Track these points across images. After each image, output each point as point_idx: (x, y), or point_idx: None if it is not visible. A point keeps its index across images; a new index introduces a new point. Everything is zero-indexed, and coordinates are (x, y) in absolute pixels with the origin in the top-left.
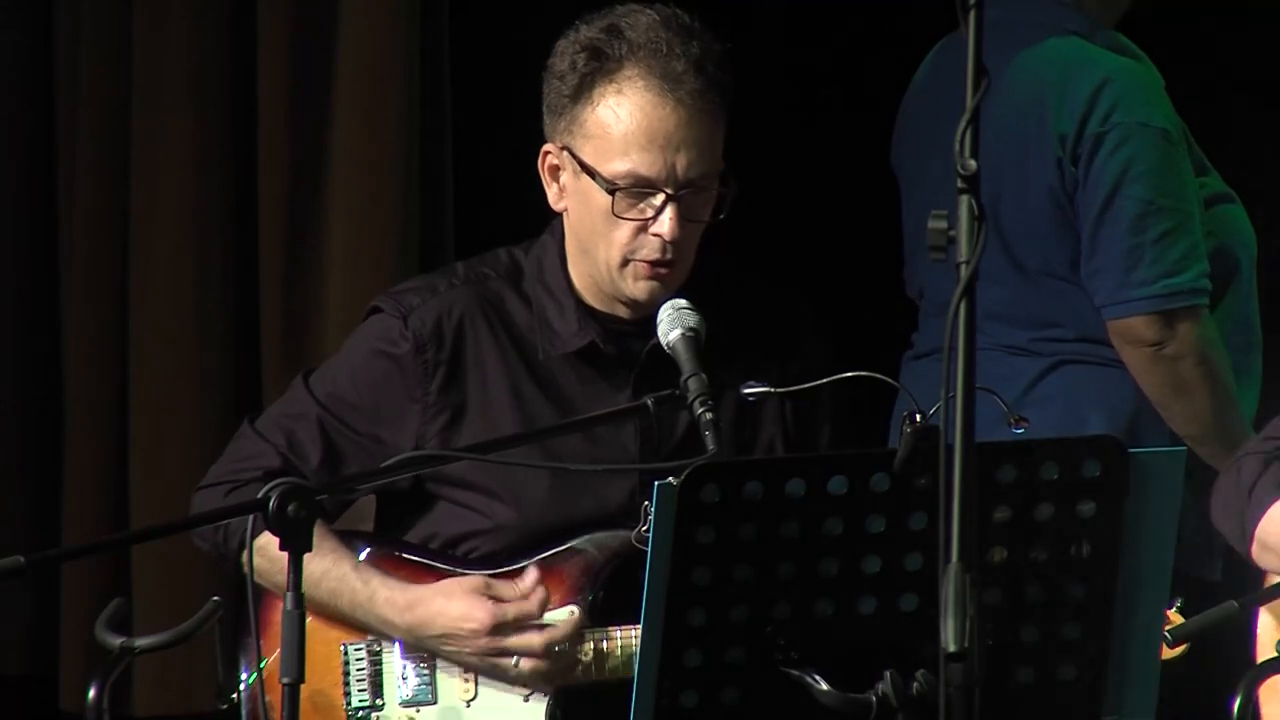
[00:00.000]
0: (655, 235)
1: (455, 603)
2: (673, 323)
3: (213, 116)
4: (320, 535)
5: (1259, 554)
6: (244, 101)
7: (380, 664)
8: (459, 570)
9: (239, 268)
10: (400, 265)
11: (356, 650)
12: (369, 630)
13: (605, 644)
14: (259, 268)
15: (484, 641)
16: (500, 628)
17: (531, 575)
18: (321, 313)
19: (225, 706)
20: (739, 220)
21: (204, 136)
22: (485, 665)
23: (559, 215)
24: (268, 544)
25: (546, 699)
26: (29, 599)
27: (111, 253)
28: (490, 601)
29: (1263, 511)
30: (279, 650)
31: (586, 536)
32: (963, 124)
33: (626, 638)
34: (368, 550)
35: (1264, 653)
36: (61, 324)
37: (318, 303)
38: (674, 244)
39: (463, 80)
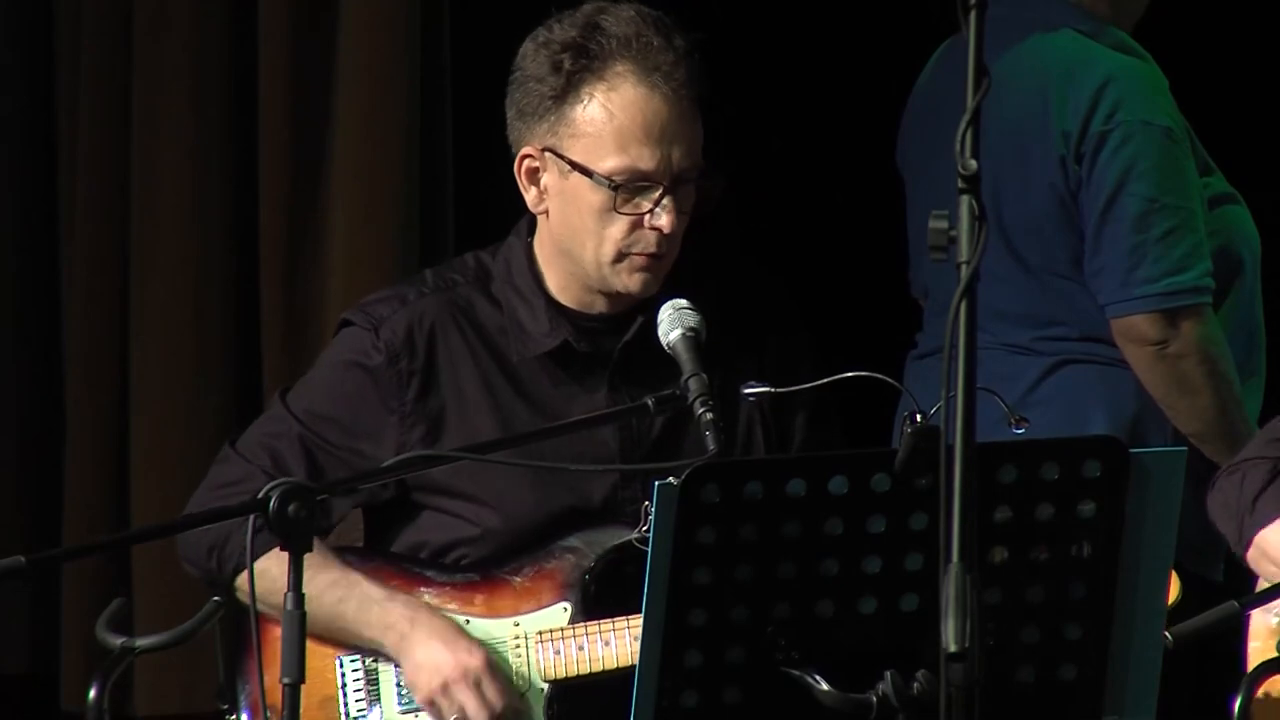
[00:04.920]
0: (653, 229)
1: (462, 640)
2: (673, 323)
3: (213, 116)
4: (323, 553)
5: (1256, 559)
6: (244, 101)
7: (376, 674)
8: (454, 578)
9: (239, 267)
10: (400, 265)
11: (353, 662)
12: (362, 638)
13: (599, 640)
14: (259, 268)
15: (452, 671)
16: (470, 675)
17: None
18: (321, 313)
19: (225, 707)
20: (743, 220)
21: (204, 137)
22: (431, 695)
23: (523, 216)
24: (265, 569)
25: (543, 696)
26: (29, 599)
27: (111, 253)
28: (484, 651)
29: (1266, 524)
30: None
31: (576, 535)
32: (963, 124)
33: (620, 631)
34: (355, 559)
35: (1255, 654)
36: (62, 324)
37: (318, 303)
38: (668, 236)
39: (463, 81)
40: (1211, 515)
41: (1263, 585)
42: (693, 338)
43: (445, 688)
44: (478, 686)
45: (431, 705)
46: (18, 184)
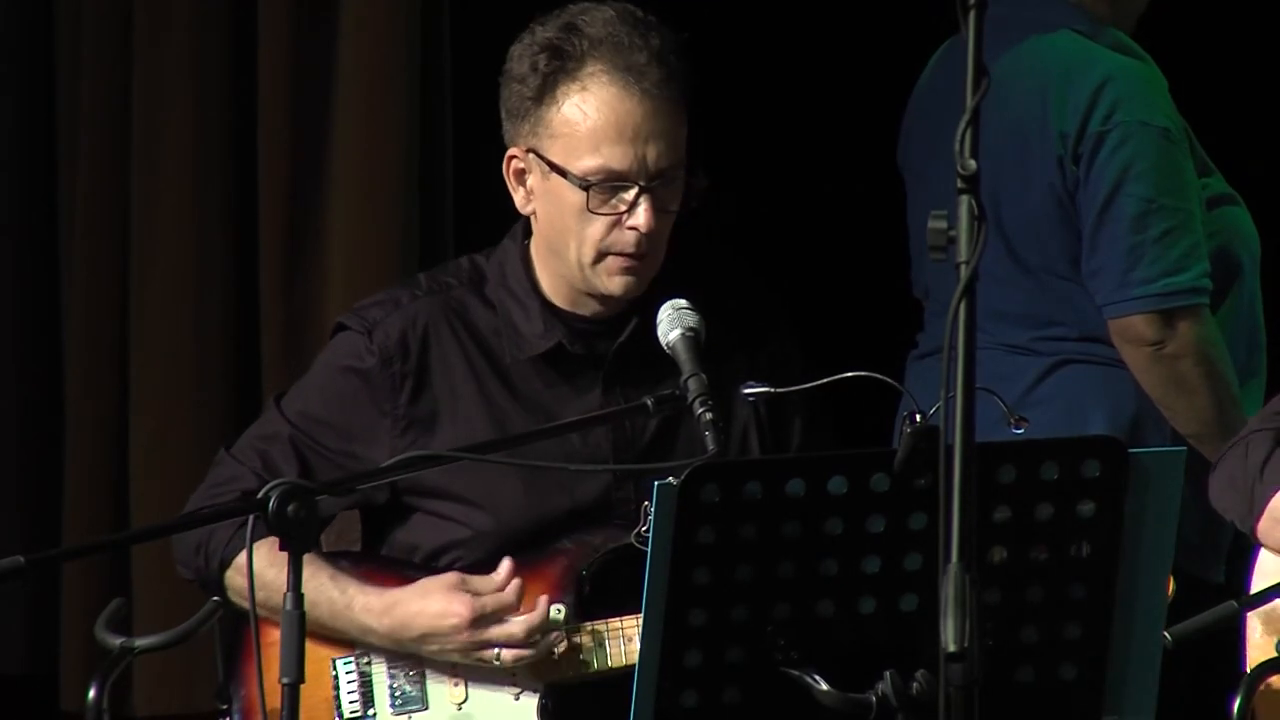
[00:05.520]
0: (631, 229)
1: (433, 600)
2: (673, 323)
3: (213, 117)
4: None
5: (1269, 529)
6: (244, 101)
7: (370, 675)
8: None
9: (239, 268)
10: (400, 266)
11: (346, 664)
12: (349, 639)
13: (594, 639)
14: (259, 268)
15: (465, 636)
16: (480, 620)
17: (505, 566)
18: (321, 312)
19: (225, 708)
20: (744, 220)
21: (204, 136)
22: (468, 660)
23: (519, 219)
24: (256, 569)
25: (537, 697)
26: (29, 599)
27: (111, 253)
28: (467, 595)
29: (1276, 488)
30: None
31: (569, 536)
32: (963, 124)
33: (615, 633)
34: (349, 563)
35: (1253, 655)
36: (62, 324)
37: (317, 302)
38: (648, 236)
39: (463, 81)
40: (1214, 496)
41: (1260, 576)
42: (692, 338)
43: (470, 647)
44: (480, 626)
45: (475, 660)
46: (18, 184)
